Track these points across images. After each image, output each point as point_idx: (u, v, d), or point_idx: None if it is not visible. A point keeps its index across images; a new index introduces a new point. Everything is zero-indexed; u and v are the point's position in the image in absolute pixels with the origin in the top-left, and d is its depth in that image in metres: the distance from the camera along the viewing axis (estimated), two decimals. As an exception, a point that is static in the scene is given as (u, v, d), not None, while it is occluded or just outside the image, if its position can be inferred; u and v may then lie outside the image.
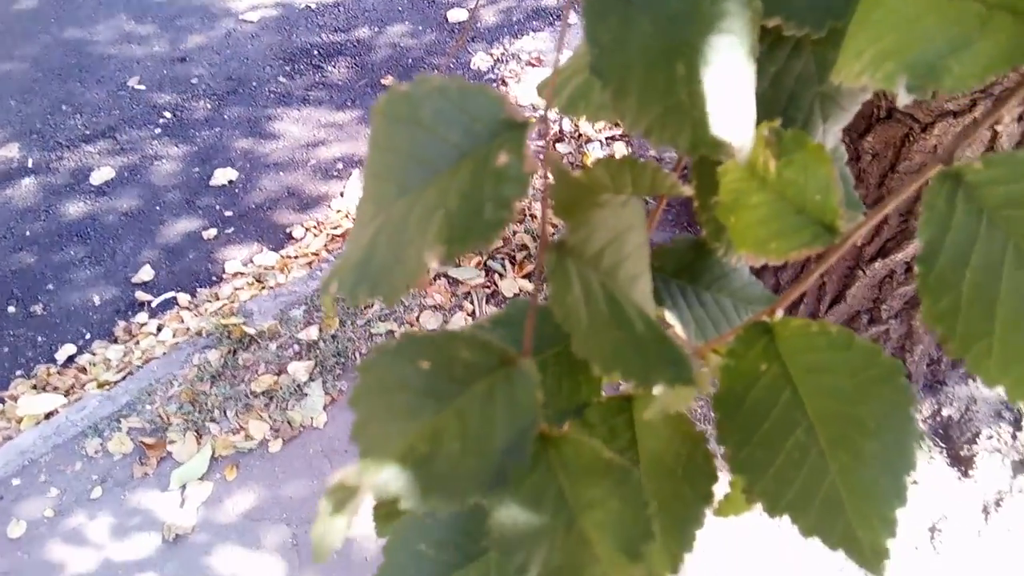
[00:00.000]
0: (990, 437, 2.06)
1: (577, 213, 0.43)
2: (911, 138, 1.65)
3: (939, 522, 1.94)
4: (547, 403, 0.49)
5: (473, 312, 2.36)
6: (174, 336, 2.39)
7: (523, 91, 3.34)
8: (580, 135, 2.88)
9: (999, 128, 1.54)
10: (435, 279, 2.43)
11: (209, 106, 3.36)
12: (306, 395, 2.17)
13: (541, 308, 0.51)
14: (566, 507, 0.38)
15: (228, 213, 2.91)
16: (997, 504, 1.96)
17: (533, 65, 3.48)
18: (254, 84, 3.45)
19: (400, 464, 0.34)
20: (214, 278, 2.69)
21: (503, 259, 2.48)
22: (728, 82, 0.36)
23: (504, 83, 3.37)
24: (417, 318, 2.35)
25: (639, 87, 0.36)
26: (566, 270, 0.39)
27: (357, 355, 2.27)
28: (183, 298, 2.58)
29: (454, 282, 2.43)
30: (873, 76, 0.37)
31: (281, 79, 3.46)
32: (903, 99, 0.46)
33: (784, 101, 0.51)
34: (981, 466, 2.01)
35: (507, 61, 3.52)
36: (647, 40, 0.36)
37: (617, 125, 2.84)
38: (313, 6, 3.84)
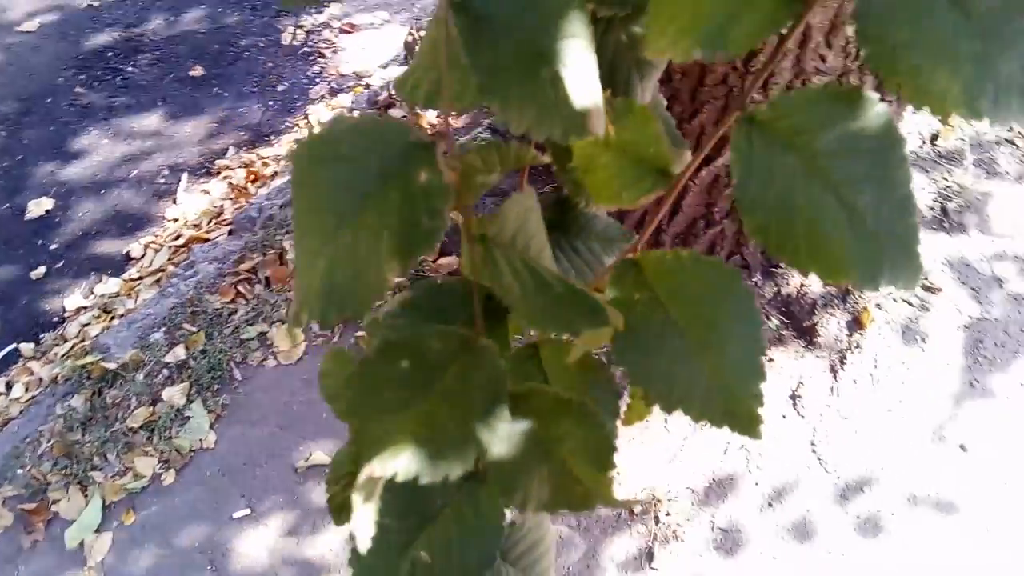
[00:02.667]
0: (825, 305, 2.28)
1: (464, 198, 0.50)
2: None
3: (797, 389, 2.14)
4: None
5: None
6: (27, 391, 2.23)
7: (344, 60, 3.26)
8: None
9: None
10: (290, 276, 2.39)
11: (4, 133, 3.09)
12: (188, 418, 2.10)
13: (433, 285, 0.58)
14: (543, 445, 0.47)
15: (53, 247, 2.72)
16: (841, 362, 2.19)
17: (347, 32, 3.39)
18: (49, 100, 3.19)
19: (410, 447, 0.41)
20: (56, 319, 2.52)
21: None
22: (581, 77, 0.42)
23: (322, 55, 3.27)
24: (287, 313, 2.31)
25: (517, 96, 0.41)
26: (494, 257, 0.46)
27: (232, 365, 2.21)
28: (26, 348, 2.41)
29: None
30: (675, 50, 0.44)
31: (79, 90, 3.21)
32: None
33: (607, 69, 0.60)
34: (823, 332, 2.23)
35: (319, 31, 3.41)
36: (513, 57, 0.41)
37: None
38: (96, 4, 3.55)
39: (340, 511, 0.81)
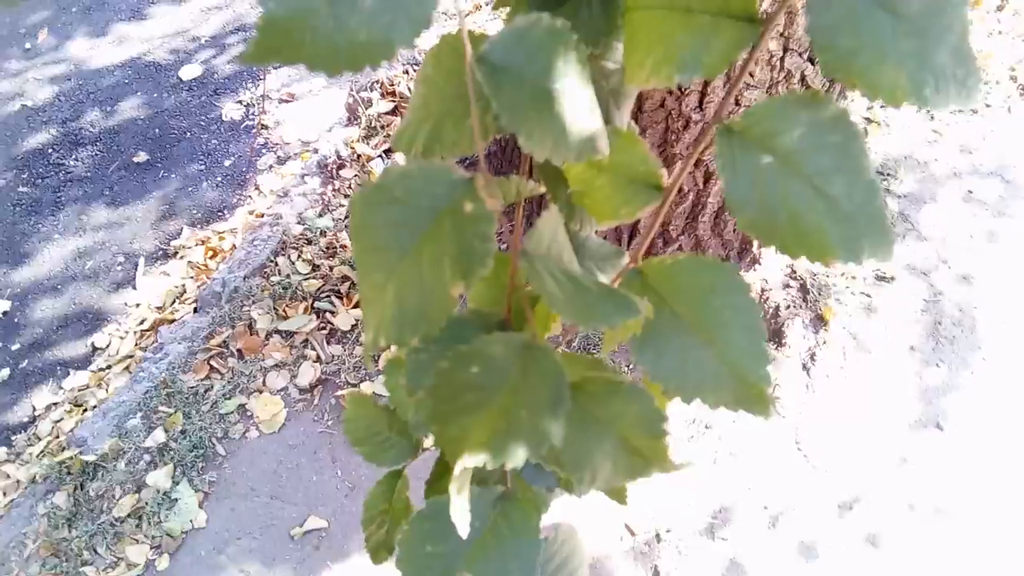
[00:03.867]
0: (788, 307, 2.36)
1: None
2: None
3: (774, 391, 2.20)
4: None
5: (318, 357, 2.34)
6: (5, 494, 2.17)
7: (287, 129, 3.30)
8: (359, 156, 2.91)
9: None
10: (267, 338, 2.38)
11: (-51, 241, 3.04)
12: (176, 500, 2.07)
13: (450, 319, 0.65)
14: (602, 424, 0.53)
15: (15, 347, 2.67)
16: (812, 359, 2.26)
17: (287, 101, 3.44)
18: (-8, 203, 3.15)
19: (494, 442, 0.46)
20: (26, 419, 2.46)
21: (329, 296, 2.47)
22: (584, 109, 0.50)
23: (264, 126, 3.31)
24: (263, 383, 2.29)
25: (538, 128, 0.48)
26: (537, 269, 0.52)
27: (214, 441, 2.19)
28: (-1, 452, 2.35)
29: (287, 335, 2.39)
30: (657, 79, 0.51)
31: (22, 189, 3.18)
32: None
33: None
34: (789, 333, 2.30)
35: (259, 104, 3.45)
36: (531, 95, 0.48)
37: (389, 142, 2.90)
38: (30, 104, 3.54)
39: (378, 551, 0.84)
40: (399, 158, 2.88)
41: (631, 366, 2.19)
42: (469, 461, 0.46)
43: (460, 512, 0.48)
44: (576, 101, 0.49)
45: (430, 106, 0.59)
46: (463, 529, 0.48)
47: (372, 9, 0.41)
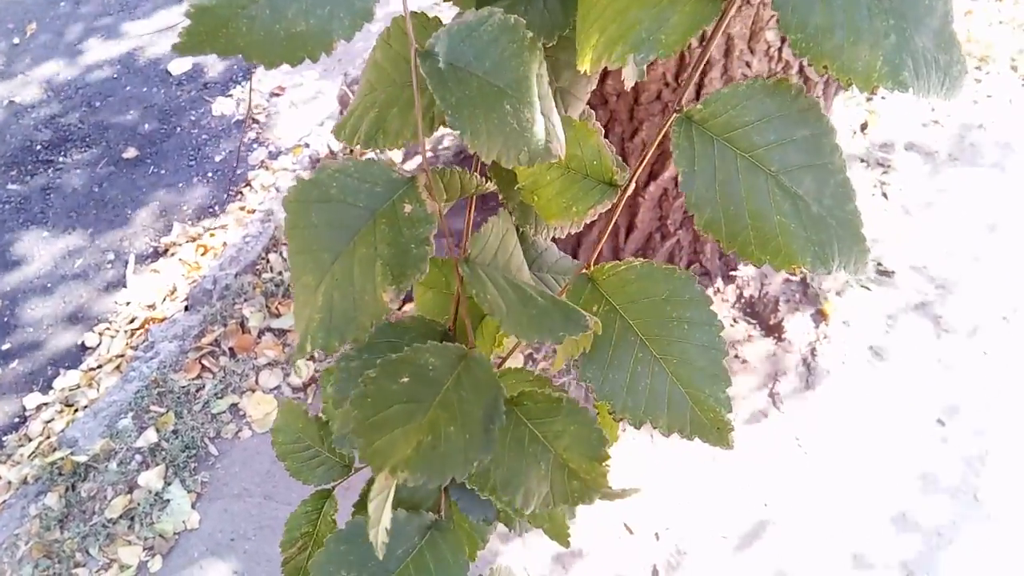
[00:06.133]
0: (787, 301, 2.33)
1: None
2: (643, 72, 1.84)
3: (774, 387, 2.18)
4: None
5: (311, 356, 2.31)
6: (-4, 496, 2.15)
7: (279, 123, 3.26)
8: (351, 150, 2.87)
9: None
10: (259, 336, 2.35)
11: (-63, 240, 3.00)
12: (168, 501, 2.04)
13: (383, 326, 0.61)
14: (540, 443, 0.50)
15: (5, 347, 2.63)
16: (812, 354, 2.24)
17: (277, 95, 3.40)
18: (-19, 201, 3.11)
19: (418, 458, 0.44)
20: (16, 420, 2.43)
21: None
22: (539, 108, 0.46)
23: (256, 121, 3.27)
24: (256, 381, 2.26)
25: (485, 128, 0.45)
26: (479, 276, 0.48)
27: (207, 441, 2.16)
28: (-11, 453, 2.32)
29: (281, 333, 2.36)
30: (609, 59, 0.47)
31: (11, 187, 3.14)
32: (630, 81, 0.57)
33: None
34: (789, 328, 2.28)
35: (248, 99, 3.41)
36: (479, 93, 0.45)
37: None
38: (18, 100, 3.50)
39: (295, 575, 0.79)
40: (391, 152, 2.84)
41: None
42: (391, 477, 0.43)
43: (378, 533, 0.45)
44: (530, 101, 0.46)
45: (376, 93, 0.56)
46: (380, 551, 0.45)
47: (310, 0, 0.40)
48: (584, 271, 0.57)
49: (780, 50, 1.82)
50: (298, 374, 2.24)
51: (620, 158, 0.63)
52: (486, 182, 0.64)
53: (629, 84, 0.56)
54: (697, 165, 0.48)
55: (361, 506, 0.76)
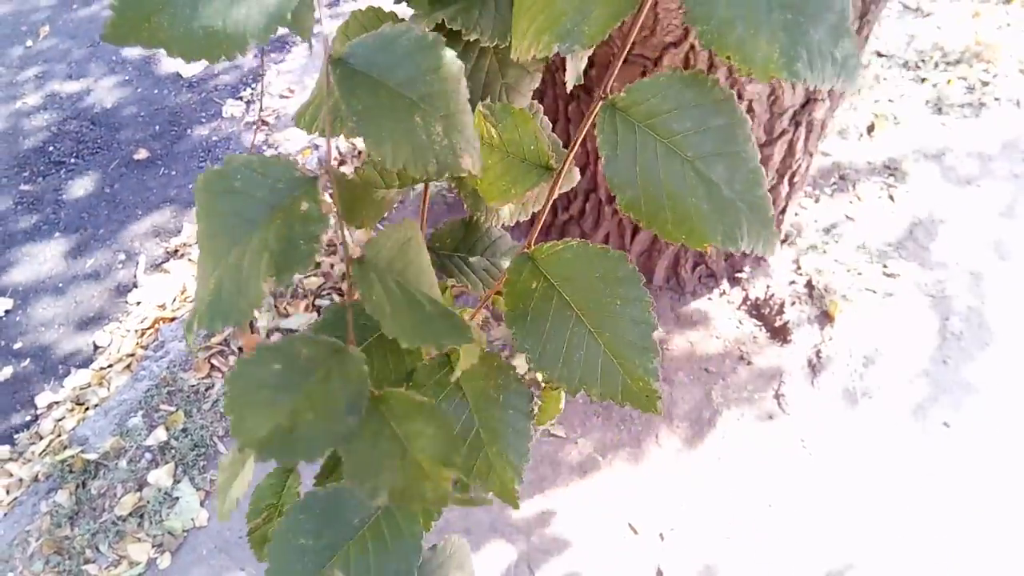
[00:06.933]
0: (793, 303, 2.34)
1: (361, 212, 0.58)
2: (646, 72, 1.84)
3: (780, 388, 2.19)
4: (380, 374, 0.65)
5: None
6: (8, 493, 2.16)
7: (288, 125, 3.28)
8: (359, 151, 2.89)
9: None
10: (268, 336, 2.37)
11: (-49, 240, 3.03)
12: (177, 499, 2.06)
13: (359, 307, 0.63)
14: (398, 441, 0.52)
15: (17, 346, 2.66)
16: (818, 356, 2.24)
17: (286, 97, 3.42)
18: (-6, 201, 3.15)
19: (271, 439, 0.46)
20: (28, 418, 2.46)
21: (330, 294, 2.46)
22: (454, 120, 0.49)
23: (265, 123, 3.30)
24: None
25: (391, 137, 0.47)
26: (368, 278, 0.50)
27: (216, 440, 2.18)
28: (1, 451, 2.34)
29: (288, 333, 2.38)
30: (537, 48, 0.50)
31: (23, 187, 3.18)
32: (572, 83, 0.60)
33: (479, 91, 0.68)
34: (795, 330, 2.28)
35: (259, 101, 3.44)
36: (389, 103, 0.47)
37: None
38: (31, 101, 3.54)
39: (261, 544, 0.83)
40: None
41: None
42: (247, 455, 0.48)
43: (225, 500, 0.49)
44: (444, 115, 0.48)
45: (321, 91, 0.59)
46: (222, 517, 0.48)
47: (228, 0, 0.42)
48: (525, 250, 0.61)
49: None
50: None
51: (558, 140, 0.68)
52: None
53: (570, 86, 0.60)
54: (619, 149, 0.51)
55: (321, 478, 0.79)
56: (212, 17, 0.41)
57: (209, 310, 0.44)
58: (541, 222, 0.62)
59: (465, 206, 0.73)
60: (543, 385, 0.84)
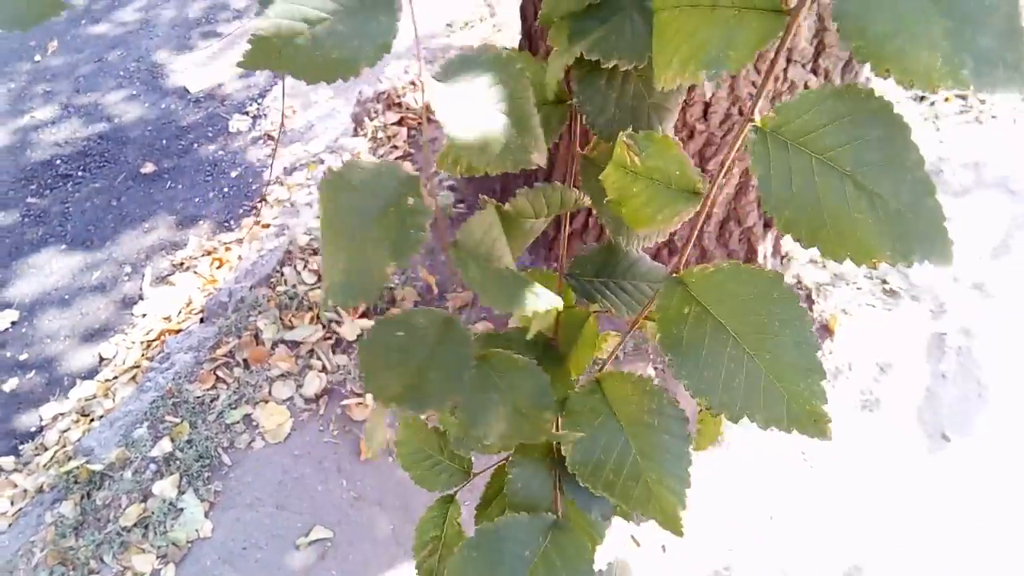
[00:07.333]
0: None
1: (512, 240, 0.64)
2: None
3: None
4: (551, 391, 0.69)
5: (324, 367, 2.34)
6: (13, 503, 2.18)
7: (294, 139, 3.32)
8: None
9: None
10: (273, 348, 2.39)
11: (-42, 252, 3.06)
12: (182, 510, 2.07)
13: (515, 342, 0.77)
14: (500, 392, 0.63)
15: (23, 357, 2.68)
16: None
17: (287, 116, 3.46)
18: (1, 214, 3.17)
19: (406, 394, 0.56)
20: (33, 429, 2.47)
21: (334, 307, 2.48)
22: (527, 125, 0.57)
23: (271, 137, 3.33)
24: (269, 392, 2.30)
25: (476, 140, 0.54)
26: (463, 258, 0.58)
27: (220, 451, 2.19)
28: (6, 461, 2.35)
29: (294, 345, 2.40)
30: (683, 76, 0.52)
31: (31, 200, 3.21)
32: (709, 90, 0.63)
33: (629, 117, 0.70)
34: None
35: (265, 115, 3.48)
36: (477, 110, 0.56)
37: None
38: (38, 116, 3.57)
39: (429, 575, 0.85)
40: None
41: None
42: (383, 406, 0.55)
43: (373, 446, 0.62)
44: (518, 119, 0.56)
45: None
46: (370, 455, 0.65)
47: (343, 34, 0.51)
48: (674, 274, 0.61)
49: (785, 71, 1.85)
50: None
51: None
52: (583, 196, 0.72)
53: (709, 93, 0.61)
54: (773, 169, 0.51)
55: (484, 509, 0.85)
56: (330, 49, 0.50)
57: (342, 290, 0.51)
58: (690, 247, 0.62)
59: (607, 231, 0.74)
60: (699, 408, 0.81)
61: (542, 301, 0.56)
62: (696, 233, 0.61)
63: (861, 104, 0.49)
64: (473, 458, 0.92)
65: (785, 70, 1.86)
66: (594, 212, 0.73)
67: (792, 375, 0.56)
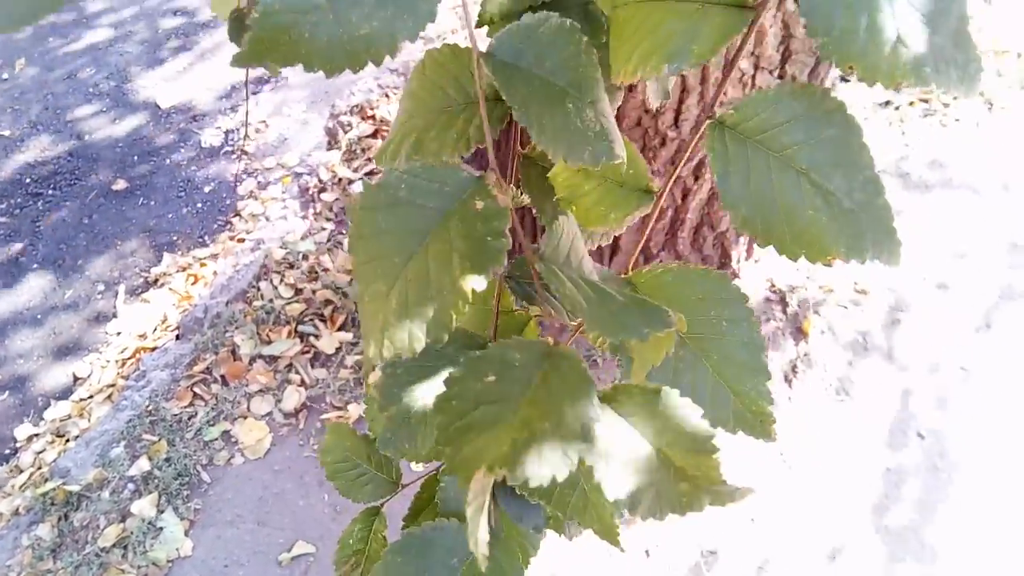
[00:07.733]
0: (767, 320, 2.38)
1: None
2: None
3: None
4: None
5: (303, 382, 2.33)
6: (-12, 527, 2.15)
7: (267, 153, 3.30)
8: (340, 179, 2.92)
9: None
10: (251, 363, 2.38)
11: (-74, 274, 3.01)
12: (161, 529, 2.05)
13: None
14: (639, 440, 0.49)
15: (-5, 378, 2.64)
16: (793, 371, 2.28)
17: (259, 131, 3.44)
18: (-30, 234, 3.13)
19: (513, 453, 0.42)
20: (7, 451, 2.44)
21: (312, 320, 2.47)
22: (602, 106, 0.49)
23: (244, 151, 3.32)
24: (248, 408, 2.29)
25: (550, 125, 0.47)
26: (557, 274, 0.48)
27: (199, 468, 2.17)
28: (-20, 485, 2.32)
29: (271, 360, 2.39)
30: (644, 71, 0.50)
31: (1, 219, 3.17)
32: (656, 101, 0.60)
33: None
34: (770, 346, 2.33)
35: (238, 130, 3.46)
36: (542, 92, 0.48)
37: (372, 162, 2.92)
38: (7, 134, 3.53)
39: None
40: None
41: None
42: (488, 477, 0.40)
43: (477, 541, 0.40)
44: (591, 101, 0.48)
45: (414, 120, 0.58)
46: (482, 555, 0.39)
47: (374, 2, 0.40)
48: (623, 275, 0.60)
49: (753, 77, 1.89)
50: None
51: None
52: (521, 195, 0.66)
53: (654, 104, 0.59)
54: (731, 166, 0.51)
55: (412, 519, 0.78)
56: (358, 23, 0.39)
57: (401, 333, 0.42)
58: (639, 248, 0.60)
59: (546, 231, 0.71)
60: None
61: (662, 323, 0.45)
62: (649, 234, 0.61)
63: (816, 103, 0.49)
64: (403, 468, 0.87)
65: (753, 76, 1.89)
66: (534, 211, 0.69)
67: (739, 376, 0.56)
